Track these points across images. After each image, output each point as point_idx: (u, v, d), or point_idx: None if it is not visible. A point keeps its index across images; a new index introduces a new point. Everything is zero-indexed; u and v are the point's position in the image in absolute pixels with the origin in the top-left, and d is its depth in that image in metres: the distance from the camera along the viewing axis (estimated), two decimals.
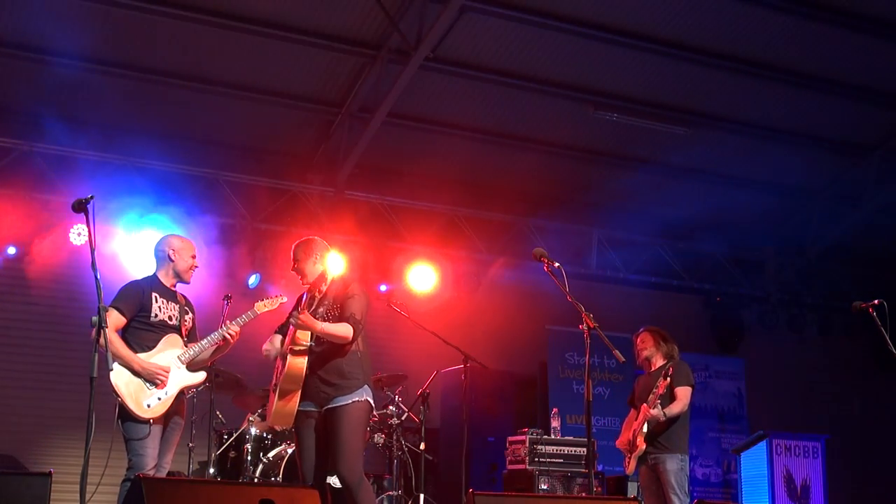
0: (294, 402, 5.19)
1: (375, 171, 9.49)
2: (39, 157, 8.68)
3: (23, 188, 8.61)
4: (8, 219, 8.58)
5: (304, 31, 7.92)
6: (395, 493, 7.79)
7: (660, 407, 6.47)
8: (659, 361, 6.87)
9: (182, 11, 7.58)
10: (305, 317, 5.11)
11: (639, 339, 6.99)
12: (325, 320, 5.23)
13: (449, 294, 9.85)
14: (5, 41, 7.86)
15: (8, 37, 7.83)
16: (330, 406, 5.18)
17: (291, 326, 5.24)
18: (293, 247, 5.58)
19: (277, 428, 5.68)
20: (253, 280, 9.35)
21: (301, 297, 5.59)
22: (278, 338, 5.48)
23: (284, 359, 5.27)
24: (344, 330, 5.17)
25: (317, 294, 5.37)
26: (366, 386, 5.27)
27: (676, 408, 6.53)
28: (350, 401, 5.18)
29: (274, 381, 5.37)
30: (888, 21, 7.85)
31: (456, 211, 9.98)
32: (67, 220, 8.69)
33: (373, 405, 5.34)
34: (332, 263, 5.59)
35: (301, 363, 5.17)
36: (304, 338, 5.18)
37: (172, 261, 5.54)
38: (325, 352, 5.24)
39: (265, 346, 5.49)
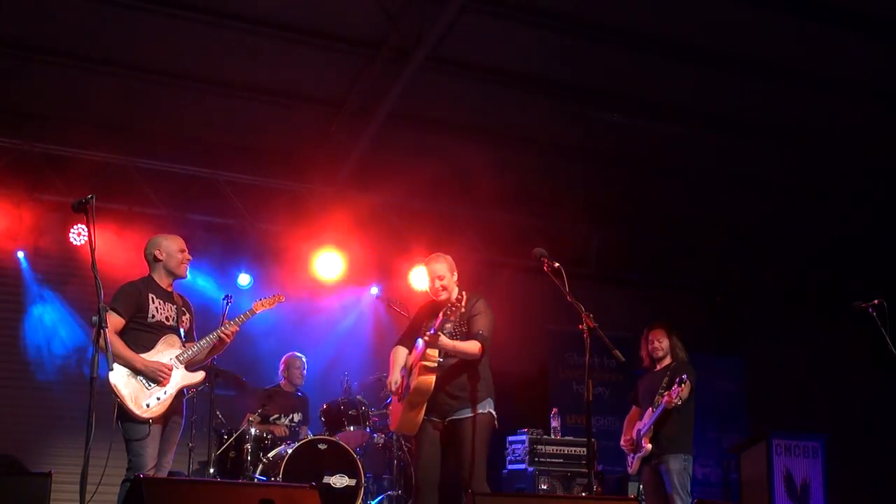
0: (421, 412, 5.42)
1: (375, 171, 9.48)
2: (39, 157, 8.68)
3: (23, 188, 8.61)
4: (8, 219, 8.58)
5: (303, 30, 7.91)
6: (395, 493, 7.81)
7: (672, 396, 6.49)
8: (666, 360, 6.86)
9: (181, 11, 7.57)
10: (441, 339, 5.24)
11: (655, 336, 6.92)
12: (452, 336, 5.37)
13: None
14: (3, 40, 7.85)
15: (5, 35, 7.82)
16: (453, 417, 5.40)
17: (421, 341, 5.39)
18: (434, 265, 5.62)
19: (404, 433, 5.80)
20: (247, 282, 9.33)
21: (424, 307, 5.77)
22: (403, 350, 5.66)
23: (410, 371, 5.48)
24: (473, 347, 5.36)
25: (448, 311, 5.37)
26: (489, 399, 5.46)
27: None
28: (473, 413, 5.37)
29: (401, 391, 5.56)
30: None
31: (455, 211, 9.98)
32: (67, 220, 8.71)
33: (495, 417, 5.48)
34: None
35: (431, 380, 5.34)
36: (435, 354, 5.34)
37: (161, 260, 5.55)
38: (452, 367, 5.42)
39: (392, 379, 5.59)
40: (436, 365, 5.34)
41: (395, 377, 5.59)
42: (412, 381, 5.39)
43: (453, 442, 5.40)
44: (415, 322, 5.75)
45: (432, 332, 5.26)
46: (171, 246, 5.60)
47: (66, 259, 8.91)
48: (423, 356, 5.33)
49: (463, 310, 5.33)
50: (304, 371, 8.31)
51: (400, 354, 5.68)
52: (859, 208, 10.54)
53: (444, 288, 5.56)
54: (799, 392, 10.81)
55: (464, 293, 5.41)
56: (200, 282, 9.09)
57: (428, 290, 5.68)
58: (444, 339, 5.26)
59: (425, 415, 5.43)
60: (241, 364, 8.33)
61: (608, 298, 9.60)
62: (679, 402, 6.50)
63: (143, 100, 8.66)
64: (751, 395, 11.01)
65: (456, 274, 5.64)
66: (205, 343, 5.54)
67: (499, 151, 9.46)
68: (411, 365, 5.52)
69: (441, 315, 5.33)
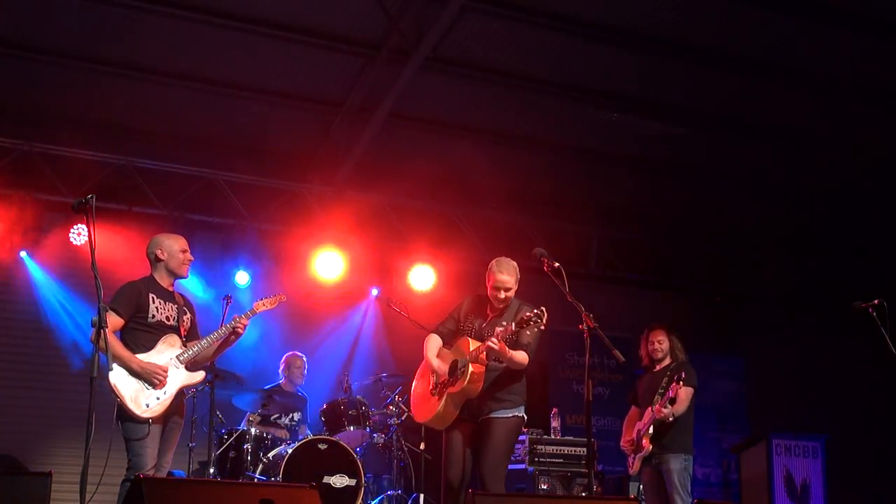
0: (457, 411, 5.48)
1: (375, 171, 9.48)
2: (39, 157, 8.68)
3: (23, 188, 8.61)
4: (8, 219, 8.59)
5: (303, 30, 7.91)
6: (394, 492, 7.81)
7: (669, 407, 6.48)
8: (666, 361, 6.86)
9: (181, 11, 7.57)
10: (503, 347, 5.30)
11: (655, 336, 6.92)
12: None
13: (448, 294, 9.85)
14: (4, 40, 7.86)
15: (6, 36, 7.83)
16: (486, 417, 5.47)
17: (473, 342, 5.44)
18: (501, 275, 5.61)
19: (434, 427, 5.79)
20: (245, 280, 9.33)
21: (466, 303, 5.80)
22: (438, 339, 5.70)
23: (454, 368, 5.50)
24: (523, 358, 5.46)
25: (506, 317, 5.44)
26: (523, 405, 5.58)
27: (679, 408, 6.54)
28: (509, 414, 5.50)
29: (431, 385, 5.60)
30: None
31: (455, 211, 9.98)
32: (67, 220, 8.71)
33: (525, 420, 5.61)
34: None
35: (481, 384, 5.42)
36: (485, 357, 5.41)
37: (162, 259, 5.55)
38: (498, 373, 5.50)
39: (435, 365, 5.57)
40: (484, 369, 5.42)
41: (438, 363, 5.56)
42: (462, 380, 5.38)
43: (482, 440, 5.46)
44: (459, 314, 5.74)
45: (495, 339, 5.30)
46: (174, 246, 5.60)
47: (66, 259, 8.92)
48: (477, 359, 5.38)
49: (543, 327, 5.32)
50: (305, 370, 8.31)
51: (434, 342, 5.67)
52: (859, 208, 10.54)
53: (507, 299, 5.62)
54: (799, 392, 10.81)
55: (543, 309, 5.31)
56: (199, 282, 9.09)
57: (488, 294, 5.65)
58: (510, 352, 5.34)
59: (459, 413, 5.49)
60: (240, 364, 8.33)
61: (608, 298, 9.60)
62: (671, 419, 6.51)
63: (142, 100, 8.67)
64: (751, 395, 11.02)
65: (518, 282, 5.66)
66: (206, 342, 5.53)
67: (499, 151, 9.46)
68: (455, 360, 5.52)
69: (513, 325, 5.32)
